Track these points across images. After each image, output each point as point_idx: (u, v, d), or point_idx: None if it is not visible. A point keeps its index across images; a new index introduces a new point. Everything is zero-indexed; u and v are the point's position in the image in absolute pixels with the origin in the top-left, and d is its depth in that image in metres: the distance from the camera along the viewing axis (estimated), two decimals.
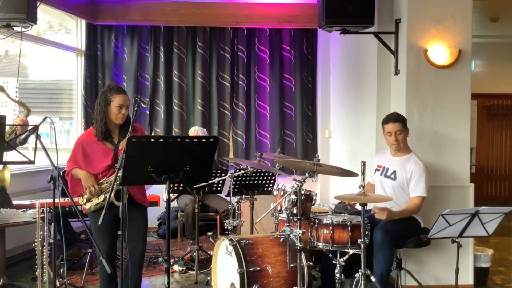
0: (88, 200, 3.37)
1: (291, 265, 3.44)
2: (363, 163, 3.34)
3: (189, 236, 5.56)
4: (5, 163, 3.57)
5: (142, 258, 3.44)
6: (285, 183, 4.16)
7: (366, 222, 3.42)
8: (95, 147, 3.32)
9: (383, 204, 3.73)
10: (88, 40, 6.41)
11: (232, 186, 4.52)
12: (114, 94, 3.31)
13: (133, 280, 3.37)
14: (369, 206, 3.87)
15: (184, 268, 4.74)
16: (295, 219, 3.46)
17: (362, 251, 3.34)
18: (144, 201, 3.48)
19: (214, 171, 4.88)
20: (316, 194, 3.89)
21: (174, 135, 6.41)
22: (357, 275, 3.42)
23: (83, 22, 6.40)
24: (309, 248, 3.73)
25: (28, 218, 3.95)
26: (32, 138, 2.90)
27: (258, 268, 3.41)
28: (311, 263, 3.53)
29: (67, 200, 4.34)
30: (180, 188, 5.01)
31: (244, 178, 4.63)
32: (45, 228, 3.45)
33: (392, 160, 4.01)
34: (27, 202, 4.49)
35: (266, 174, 4.74)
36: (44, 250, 3.32)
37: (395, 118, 3.91)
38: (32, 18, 4.22)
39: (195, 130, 5.65)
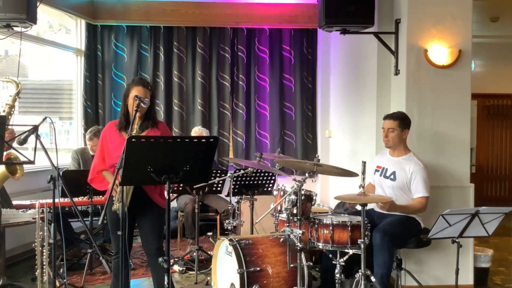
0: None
1: (291, 265, 3.44)
2: (364, 163, 3.33)
3: (189, 236, 5.56)
4: (5, 163, 3.56)
5: (160, 253, 3.30)
6: (285, 183, 4.16)
7: (366, 222, 3.41)
8: (114, 137, 3.32)
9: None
10: (88, 40, 6.41)
11: (232, 186, 4.52)
12: (133, 86, 3.30)
13: (159, 277, 3.28)
14: (370, 206, 3.87)
15: (184, 268, 4.72)
16: (295, 219, 3.46)
17: (362, 251, 3.34)
18: (160, 201, 3.36)
19: (214, 171, 4.88)
20: (316, 194, 3.89)
21: (174, 135, 6.40)
22: (357, 275, 3.42)
23: (83, 22, 6.40)
24: (309, 248, 3.73)
25: (28, 218, 3.95)
26: (31, 138, 2.90)
27: (258, 268, 3.41)
28: (311, 263, 3.52)
29: (67, 200, 4.34)
30: (180, 188, 5.00)
31: (244, 178, 4.63)
32: (45, 228, 3.44)
33: (391, 160, 4.00)
34: (27, 202, 4.49)
35: (266, 174, 4.74)
36: (44, 250, 3.31)
37: (393, 116, 3.94)
38: (32, 18, 4.21)
39: (199, 130, 5.64)
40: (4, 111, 3.61)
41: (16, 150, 3.23)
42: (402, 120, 3.93)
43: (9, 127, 3.46)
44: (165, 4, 6.33)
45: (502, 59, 8.73)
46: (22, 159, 3.06)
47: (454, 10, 4.25)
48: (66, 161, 5.58)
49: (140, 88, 3.28)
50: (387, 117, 3.95)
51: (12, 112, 3.71)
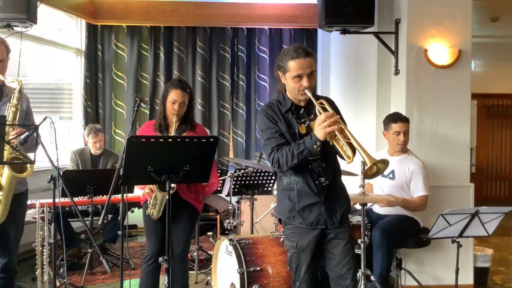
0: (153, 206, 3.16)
1: None
2: (363, 163, 3.33)
3: None
4: (5, 163, 3.56)
5: (182, 258, 3.28)
6: None
7: (366, 222, 3.42)
8: None
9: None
10: (88, 40, 6.42)
11: (232, 186, 4.52)
12: (172, 89, 3.19)
13: (177, 279, 3.22)
14: (369, 206, 3.86)
15: None
16: None
17: (362, 251, 3.34)
18: (196, 205, 3.32)
19: None
20: None
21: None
22: (357, 275, 3.41)
23: (83, 22, 6.41)
24: None
25: (28, 218, 3.94)
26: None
27: (258, 268, 3.41)
28: None
29: (67, 200, 4.34)
30: None
31: (244, 178, 4.63)
32: (45, 228, 3.45)
33: (389, 159, 4.00)
34: (27, 202, 4.48)
35: (266, 174, 4.74)
36: (44, 250, 3.32)
37: (404, 118, 3.93)
38: (32, 18, 4.22)
39: None
40: (8, 111, 3.59)
41: (17, 150, 3.23)
42: (408, 121, 3.96)
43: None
44: (165, 4, 6.33)
45: (502, 59, 8.74)
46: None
47: (454, 10, 4.25)
48: (66, 161, 5.58)
49: (178, 92, 3.18)
50: (398, 120, 3.90)
51: (17, 111, 3.68)
